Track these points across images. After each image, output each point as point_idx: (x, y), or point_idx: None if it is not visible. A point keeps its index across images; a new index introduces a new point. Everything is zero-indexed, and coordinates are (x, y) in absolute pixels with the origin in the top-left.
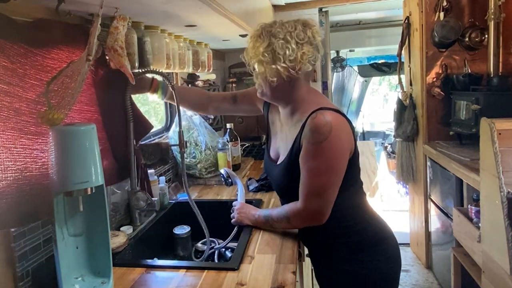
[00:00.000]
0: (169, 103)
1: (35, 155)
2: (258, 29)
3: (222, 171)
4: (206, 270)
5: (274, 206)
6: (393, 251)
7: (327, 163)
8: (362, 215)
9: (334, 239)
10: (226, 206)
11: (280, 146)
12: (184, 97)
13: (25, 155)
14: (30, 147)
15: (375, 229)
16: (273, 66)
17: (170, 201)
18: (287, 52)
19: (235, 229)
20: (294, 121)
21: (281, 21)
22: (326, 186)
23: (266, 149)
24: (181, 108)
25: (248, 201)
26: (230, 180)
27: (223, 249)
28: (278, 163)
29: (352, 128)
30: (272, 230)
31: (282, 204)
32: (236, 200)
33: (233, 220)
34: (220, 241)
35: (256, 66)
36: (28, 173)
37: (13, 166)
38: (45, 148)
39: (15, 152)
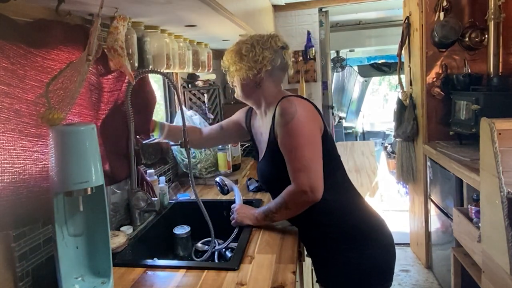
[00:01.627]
0: (169, 103)
1: (35, 158)
2: (237, 41)
3: (217, 179)
4: (206, 270)
5: None
6: (386, 240)
7: (302, 138)
8: (345, 191)
9: (326, 222)
10: (226, 206)
11: (262, 144)
12: (178, 137)
13: (24, 157)
14: (30, 149)
15: (366, 213)
16: (240, 65)
17: (170, 201)
18: (251, 54)
19: (236, 229)
20: (267, 117)
21: (254, 34)
22: (309, 158)
23: (257, 156)
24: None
25: (248, 201)
26: (226, 187)
27: (223, 249)
28: (261, 158)
29: (317, 109)
30: (272, 229)
31: (272, 197)
32: (235, 202)
33: (233, 222)
34: (220, 241)
35: (229, 68)
36: (27, 176)
37: (11, 168)
38: (45, 150)
39: (14, 154)
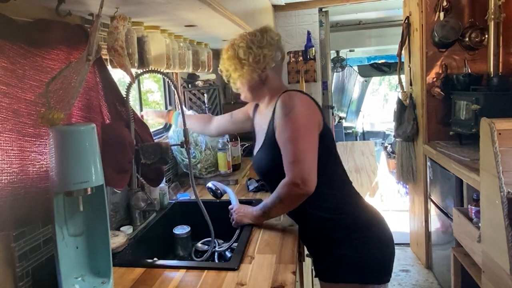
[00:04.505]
0: (169, 103)
1: (32, 158)
2: (227, 44)
3: (209, 185)
4: (206, 270)
5: None
6: (384, 235)
7: (299, 130)
8: (344, 188)
9: (323, 216)
10: (226, 206)
11: (259, 136)
12: (196, 125)
13: (22, 157)
14: (28, 149)
15: (364, 209)
16: (242, 71)
17: (170, 201)
18: (250, 56)
19: (238, 231)
20: (268, 109)
21: (243, 33)
22: (303, 150)
23: (253, 149)
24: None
25: (248, 201)
26: (219, 191)
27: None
28: (257, 150)
29: (318, 105)
30: (272, 229)
31: (270, 191)
32: (231, 204)
33: (233, 223)
34: (220, 241)
35: (231, 75)
36: (24, 176)
37: (9, 168)
38: (43, 150)
39: (11, 154)
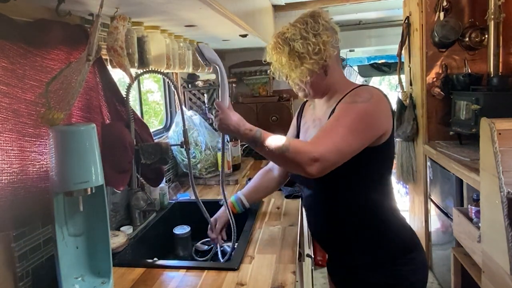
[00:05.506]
0: (169, 103)
1: (32, 158)
2: (274, 41)
3: (198, 45)
4: (206, 270)
5: (274, 206)
6: (421, 260)
7: (356, 123)
8: (388, 216)
9: (358, 242)
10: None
11: (309, 132)
12: (258, 194)
13: (22, 157)
14: (28, 149)
15: (405, 234)
16: (302, 68)
17: (170, 201)
18: (309, 48)
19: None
20: (330, 103)
21: (289, 24)
22: (345, 139)
23: None
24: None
25: None
26: (206, 61)
27: (225, 248)
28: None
29: (392, 110)
30: (272, 229)
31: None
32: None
33: (215, 125)
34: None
35: (288, 74)
36: (24, 176)
37: (9, 168)
38: (43, 150)
39: (12, 154)
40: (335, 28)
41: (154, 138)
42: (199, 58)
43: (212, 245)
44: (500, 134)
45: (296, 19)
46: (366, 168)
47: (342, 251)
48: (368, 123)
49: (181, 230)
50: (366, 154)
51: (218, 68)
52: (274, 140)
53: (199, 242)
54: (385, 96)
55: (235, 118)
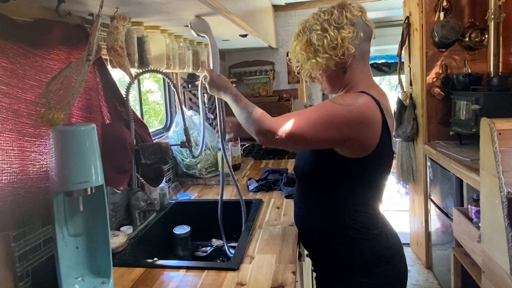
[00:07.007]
0: (169, 103)
1: (32, 158)
2: (298, 28)
3: (190, 21)
4: (206, 270)
5: (274, 206)
6: (393, 273)
7: (319, 119)
8: (360, 227)
9: (339, 243)
10: (228, 206)
11: None
12: None
13: (22, 157)
14: (28, 149)
15: (388, 241)
16: (314, 61)
17: (170, 201)
18: (325, 41)
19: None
20: None
21: (318, 11)
22: (298, 125)
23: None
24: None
25: (248, 201)
26: (199, 35)
27: (226, 248)
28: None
29: (387, 127)
30: (272, 229)
31: (298, 190)
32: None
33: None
34: (220, 241)
35: (301, 65)
36: (24, 176)
37: (9, 168)
38: (43, 150)
39: (12, 154)
40: (363, 23)
41: (154, 138)
42: (192, 32)
43: (214, 247)
44: (500, 134)
45: (327, 7)
46: (340, 176)
47: (312, 252)
48: (330, 125)
49: (181, 230)
50: (344, 163)
51: (208, 39)
52: (246, 104)
53: (199, 250)
54: (379, 108)
55: (221, 82)
